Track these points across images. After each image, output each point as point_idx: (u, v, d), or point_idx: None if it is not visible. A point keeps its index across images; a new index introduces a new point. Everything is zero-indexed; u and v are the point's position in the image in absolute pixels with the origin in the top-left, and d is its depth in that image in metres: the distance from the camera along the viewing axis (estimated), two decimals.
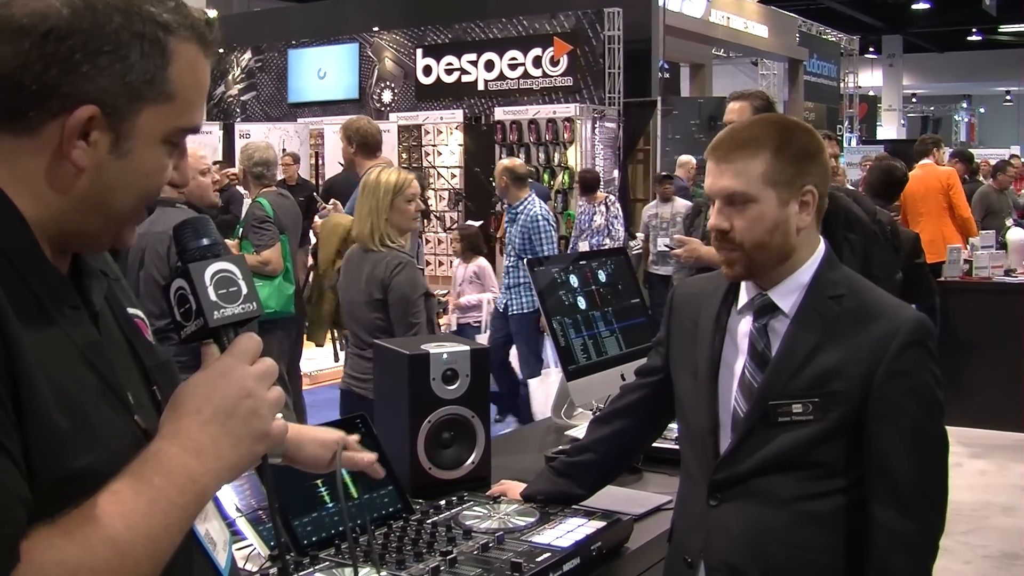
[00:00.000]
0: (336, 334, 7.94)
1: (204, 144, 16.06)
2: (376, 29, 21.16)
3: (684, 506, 2.66)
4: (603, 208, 13.39)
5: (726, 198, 2.45)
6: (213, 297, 1.50)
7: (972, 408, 8.66)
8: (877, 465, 2.38)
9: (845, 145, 24.77)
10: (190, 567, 1.50)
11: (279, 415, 1.49)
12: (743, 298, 2.54)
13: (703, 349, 2.56)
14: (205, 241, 1.55)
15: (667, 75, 21.23)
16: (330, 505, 2.66)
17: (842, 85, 27.81)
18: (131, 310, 1.64)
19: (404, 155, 18.92)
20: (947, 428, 2.43)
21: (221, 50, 22.50)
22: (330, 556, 2.49)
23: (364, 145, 7.18)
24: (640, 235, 13.72)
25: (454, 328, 9.97)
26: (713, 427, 2.51)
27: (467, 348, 3.18)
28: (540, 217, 8.56)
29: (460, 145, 19.34)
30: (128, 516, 1.31)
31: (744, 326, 2.52)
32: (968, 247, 10.00)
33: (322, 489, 2.67)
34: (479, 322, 9.99)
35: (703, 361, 2.55)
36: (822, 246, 2.54)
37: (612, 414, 2.90)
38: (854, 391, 2.37)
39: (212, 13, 16.83)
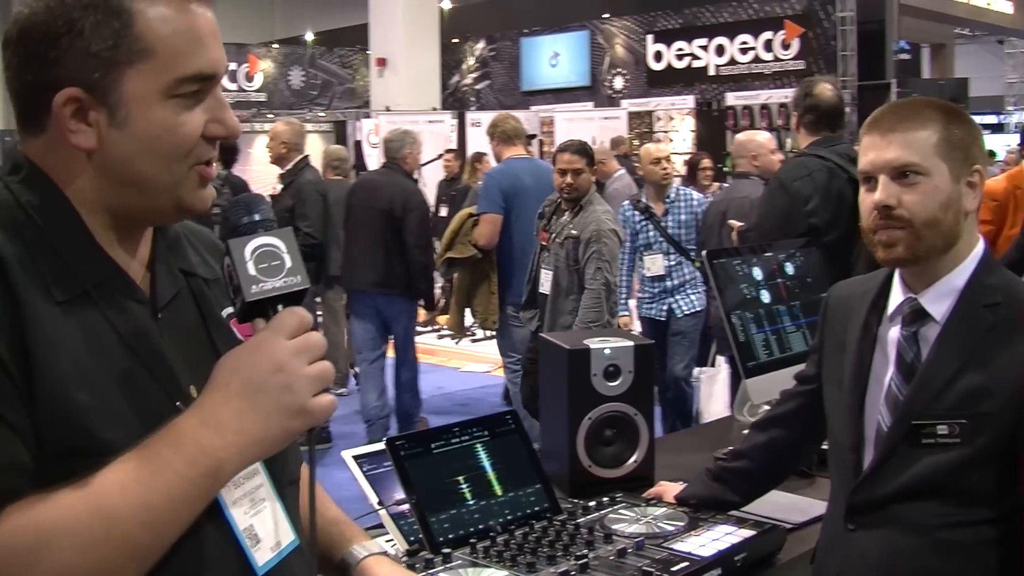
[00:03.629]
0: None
1: (436, 133, 16.32)
2: (607, 16, 21.14)
3: (826, 524, 2.49)
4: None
5: (893, 171, 2.24)
6: (252, 271, 1.47)
7: None
8: None
9: None
10: (212, 556, 1.47)
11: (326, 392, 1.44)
12: (893, 302, 2.34)
13: (849, 357, 2.38)
14: (256, 216, 1.52)
15: (908, 56, 20.50)
16: (471, 502, 2.60)
17: None
18: (230, 310, 1.63)
19: (636, 142, 18.78)
20: None
21: (455, 40, 22.88)
22: (464, 555, 2.44)
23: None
24: None
25: None
26: (855, 443, 2.33)
27: (631, 343, 3.08)
28: (704, 200, 7.85)
29: (691, 131, 19.14)
30: (126, 484, 1.31)
31: (894, 333, 2.33)
32: None
33: (464, 486, 2.62)
34: None
35: (848, 371, 2.37)
36: (981, 245, 2.32)
37: (769, 421, 2.75)
38: (1006, 414, 2.14)
39: None
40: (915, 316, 2.29)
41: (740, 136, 7.68)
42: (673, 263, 7.54)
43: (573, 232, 6.40)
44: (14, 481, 1.28)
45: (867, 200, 2.28)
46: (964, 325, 2.22)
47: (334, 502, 1.96)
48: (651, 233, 7.57)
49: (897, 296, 2.33)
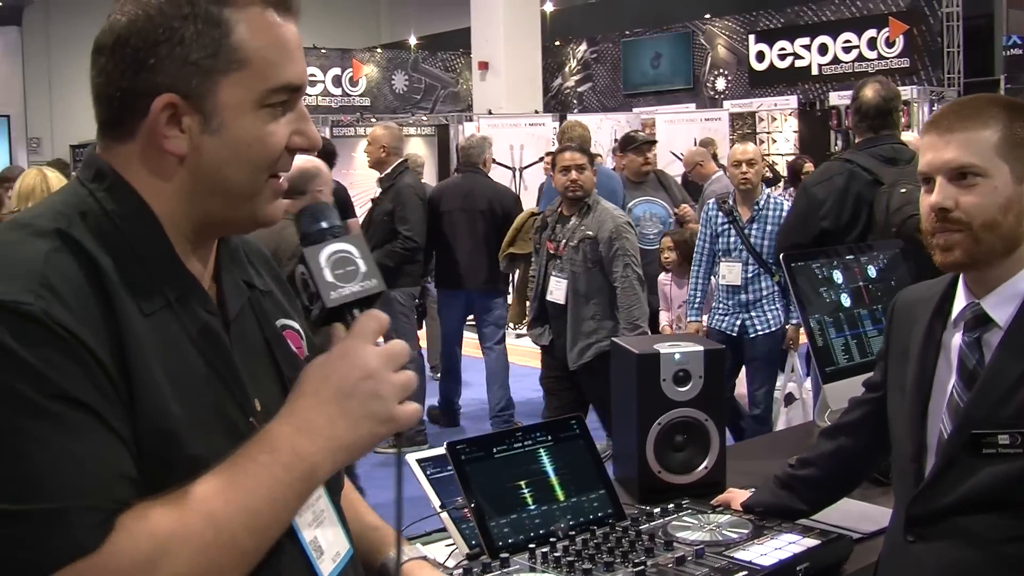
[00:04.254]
0: None
1: (538, 136, 16.35)
2: (708, 16, 21.00)
3: (888, 536, 2.43)
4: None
5: (951, 172, 2.16)
6: (329, 278, 1.50)
7: None
8: None
9: None
10: (287, 567, 1.50)
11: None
12: (957, 308, 2.27)
13: (912, 364, 2.31)
14: (324, 224, 1.56)
15: (1020, 51, 20.01)
16: (532, 507, 2.60)
17: None
18: (285, 321, 1.68)
19: (739, 144, 18.60)
20: None
21: (557, 42, 22.89)
22: (522, 561, 2.44)
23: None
24: None
25: None
26: (916, 452, 2.26)
27: (701, 348, 3.06)
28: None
29: (795, 131, 18.87)
30: (228, 491, 1.35)
31: (956, 340, 2.25)
32: None
33: (526, 491, 2.62)
34: None
35: (911, 377, 2.30)
36: None
37: (837, 429, 2.69)
38: None
39: None
40: (977, 321, 2.21)
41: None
42: (751, 274, 6.94)
43: (588, 233, 6.35)
44: (125, 491, 1.30)
45: (925, 202, 2.22)
46: None
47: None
48: (732, 239, 7.01)
49: (961, 301, 2.26)
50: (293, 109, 1.52)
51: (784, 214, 6.76)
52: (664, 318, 8.07)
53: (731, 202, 7.07)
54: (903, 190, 5.22)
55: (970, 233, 2.15)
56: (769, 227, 6.91)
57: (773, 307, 6.93)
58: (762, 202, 7.01)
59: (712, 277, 7.22)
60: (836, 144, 17.40)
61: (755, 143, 18.58)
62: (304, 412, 1.42)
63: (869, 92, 5.57)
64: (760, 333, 6.88)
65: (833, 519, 2.73)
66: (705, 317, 7.27)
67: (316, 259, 1.52)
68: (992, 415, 2.12)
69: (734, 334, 6.91)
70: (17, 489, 1.24)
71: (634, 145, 8.88)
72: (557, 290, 6.48)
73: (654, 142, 9.05)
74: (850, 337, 3.61)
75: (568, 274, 6.43)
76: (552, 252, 6.53)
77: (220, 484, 1.35)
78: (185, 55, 1.43)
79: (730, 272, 6.98)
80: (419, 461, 2.73)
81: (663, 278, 8.09)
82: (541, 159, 14.76)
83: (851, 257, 3.79)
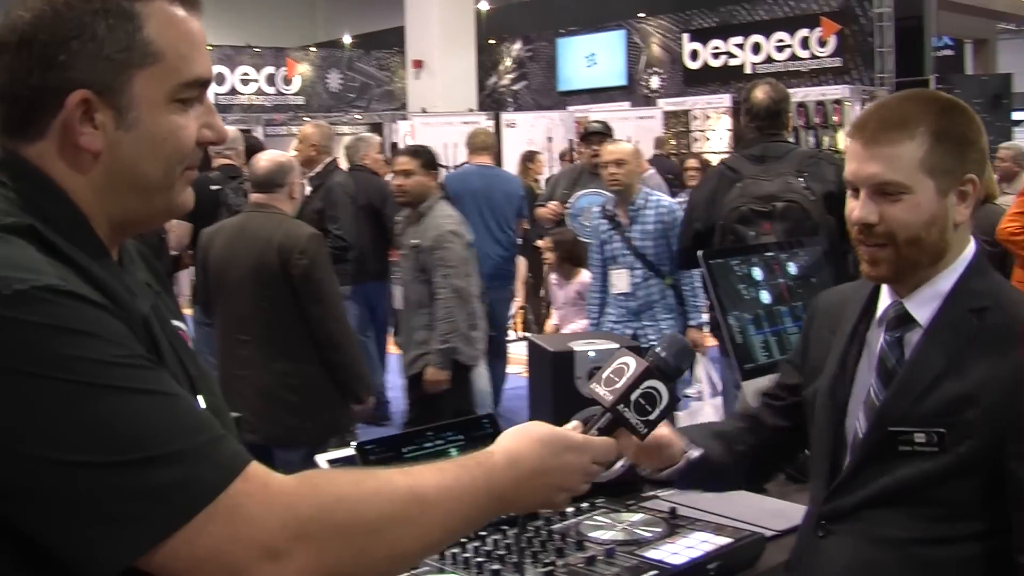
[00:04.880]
0: None
1: None
2: (643, 15, 21.06)
3: (802, 532, 2.40)
4: None
5: (875, 187, 2.10)
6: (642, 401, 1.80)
7: None
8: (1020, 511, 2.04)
9: None
10: None
11: None
12: (881, 307, 2.25)
13: (833, 362, 2.28)
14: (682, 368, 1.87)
15: (951, 52, 20.26)
16: None
17: None
18: (175, 322, 1.66)
19: (673, 141, 18.66)
20: None
21: (492, 41, 22.89)
22: (431, 561, 2.40)
23: None
24: None
25: None
26: (831, 449, 2.25)
27: (615, 346, 3.03)
28: (676, 208, 6.76)
29: (728, 130, 18.98)
30: (444, 488, 1.47)
31: (879, 339, 2.23)
32: None
33: None
34: None
35: (830, 375, 2.28)
36: (971, 247, 2.20)
37: (748, 419, 2.61)
38: (989, 424, 2.03)
39: None
40: (900, 321, 2.20)
41: None
42: (639, 279, 6.62)
43: (414, 241, 6.15)
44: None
45: (850, 210, 2.18)
46: (948, 330, 2.13)
47: None
48: (617, 244, 6.68)
49: (885, 301, 2.25)
50: (202, 103, 1.52)
51: (664, 210, 6.63)
52: (555, 316, 8.00)
53: (611, 207, 6.80)
54: (740, 184, 5.41)
55: (895, 248, 2.12)
56: (650, 227, 6.61)
57: (667, 315, 6.64)
58: (639, 202, 6.67)
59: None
60: None
61: (688, 141, 18.78)
62: (524, 475, 1.60)
63: (759, 93, 5.65)
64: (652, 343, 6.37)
65: (747, 516, 2.72)
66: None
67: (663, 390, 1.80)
68: (909, 413, 2.10)
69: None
70: (139, 439, 1.27)
71: (583, 136, 9.15)
72: (397, 296, 6.42)
73: (601, 134, 8.86)
74: (770, 334, 3.60)
75: (402, 281, 6.33)
76: (396, 258, 6.44)
77: (442, 480, 1.47)
78: (98, 50, 1.41)
79: (619, 280, 6.71)
80: (330, 462, 2.68)
81: (552, 277, 8.01)
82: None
83: (771, 254, 3.78)
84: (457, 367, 6.07)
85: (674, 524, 2.60)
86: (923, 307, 2.16)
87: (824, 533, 2.23)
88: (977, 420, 2.03)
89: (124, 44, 1.42)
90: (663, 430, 2.18)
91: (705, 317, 6.60)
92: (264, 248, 4.98)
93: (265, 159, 5.26)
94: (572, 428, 1.77)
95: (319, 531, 1.33)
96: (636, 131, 16.14)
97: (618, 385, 1.77)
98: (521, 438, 1.64)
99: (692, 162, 10.45)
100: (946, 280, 2.16)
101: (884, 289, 2.26)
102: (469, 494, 1.49)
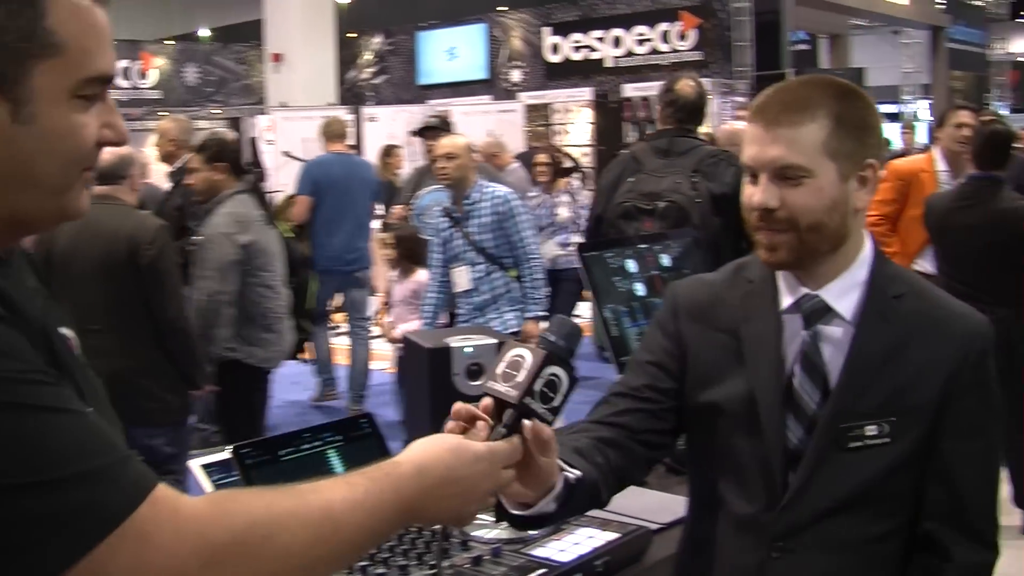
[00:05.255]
0: None
1: None
2: (503, 8, 21.12)
3: (722, 556, 2.17)
4: (566, 198, 10.10)
5: (775, 171, 2.01)
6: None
7: None
8: (947, 488, 2.03)
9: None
10: None
11: None
12: (785, 300, 2.11)
13: (759, 364, 2.10)
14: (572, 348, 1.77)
15: (807, 46, 20.69)
16: None
17: (990, 52, 26.74)
18: (61, 330, 1.55)
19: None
20: None
21: (352, 34, 22.72)
22: None
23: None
24: None
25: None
26: (770, 460, 2.07)
27: (493, 341, 3.01)
28: (511, 197, 6.52)
29: (589, 123, 19.12)
30: (354, 505, 1.42)
31: (792, 334, 2.10)
32: None
33: None
34: None
35: (763, 379, 2.09)
36: (869, 238, 2.15)
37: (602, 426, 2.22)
38: (931, 406, 2.02)
39: None
40: (817, 314, 2.09)
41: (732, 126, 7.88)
42: (480, 274, 6.42)
43: (195, 239, 5.86)
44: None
45: (748, 196, 2.08)
46: (877, 318, 2.07)
47: None
48: (457, 241, 6.46)
49: (786, 294, 2.12)
50: (104, 101, 1.43)
51: (499, 200, 6.38)
52: (390, 314, 7.64)
53: (450, 203, 6.58)
54: (632, 179, 5.51)
55: (796, 233, 2.03)
56: (487, 219, 6.38)
57: (512, 308, 6.43)
58: (474, 195, 6.44)
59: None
60: (629, 136, 17.72)
61: (549, 134, 18.84)
62: (432, 486, 1.53)
63: (687, 88, 5.68)
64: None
65: (631, 511, 2.69)
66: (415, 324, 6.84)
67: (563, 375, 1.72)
68: (855, 408, 2.04)
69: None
70: (41, 461, 1.20)
71: (417, 131, 9.03)
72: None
73: (436, 128, 8.47)
74: (645, 326, 3.59)
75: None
76: None
77: (348, 495, 1.41)
78: None
79: (459, 277, 6.49)
80: (204, 467, 2.59)
81: (390, 274, 7.76)
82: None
83: (645, 246, 3.78)
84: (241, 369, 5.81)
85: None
86: (843, 298, 2.09)
87: (780, 554, 2.08)
88: (920, 405, 2.02)
89: (25, 32, 1.32)
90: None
91: (540, 310, 6.47)
92: (112, 239, 5.04)
93: (108, 151, 5.14)
94: (451, 429, 1.68)
95: (231, 558, 1.29)
96: (498, 125, 16.15)
97: (519, 379, 1.69)
98: (430, 448, 1.58)
99: (542, 157, 10.29)
100: (860, 269, 2.10)
101: (782, 284, 2.13)
102: (378, 508, 1.45)
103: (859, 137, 2.05)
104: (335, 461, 2.55)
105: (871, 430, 2.02)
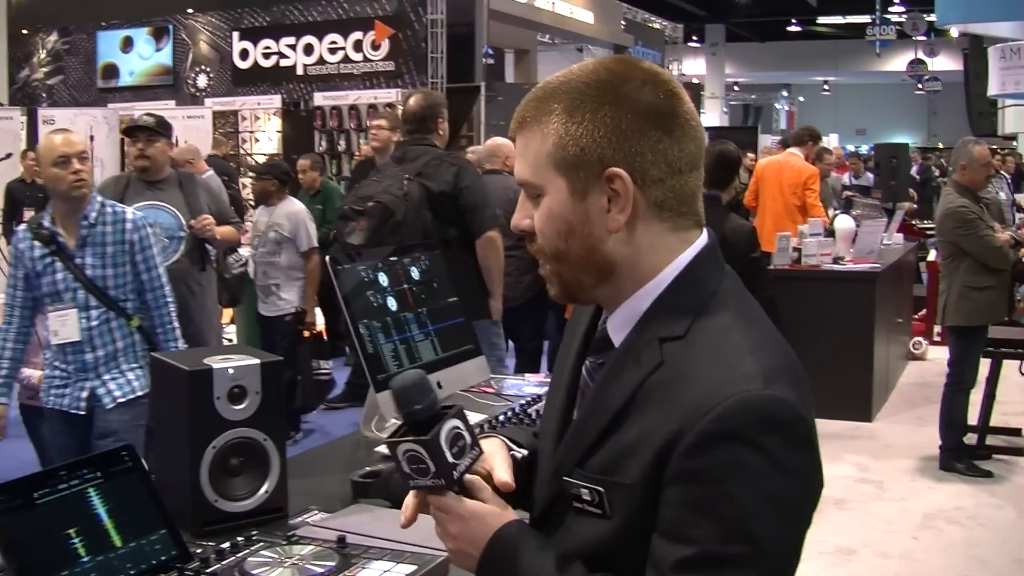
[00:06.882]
0: None
1: (4, 131, 15.29)
2: (191, 11, 20.53)
3: None
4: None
5: (524, 189, 1.69)
6: (451, 458, 1.64)
7: None
8: None
9: None
10: None
11: None
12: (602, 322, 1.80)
13: (556, 384, 1.86)
14: (435, 405, 1.68)
15: (491, 61, 21.01)
16: (86, 560, 2.20)
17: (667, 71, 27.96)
18: None
19: (227, 141, 18.23)
20: None
21: (25, 31, 21.58)
22: None
23: None
24: None
25: None
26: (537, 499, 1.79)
27: (256, 361, 2.78)
28: (141, 223, 4.99)
29: (278, 131, 18.87)
30: None
31: (588, 365, 1.77)
32: (797, 235, 9.83)
33: (76, 540, 2.21)
34: None
35: (554, 401, 1.83)
36: (686, 255, 1.66)
37: None
38: (639, 487, 1.54)
39: None
40: (599, 344, 1.74)
41: (496, 141, 8.41)
42: (96, 322, 4.85)
43: None
44: None
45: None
46: (631, 360, 1.62)
47: None
48: (60, 275, 4.83)
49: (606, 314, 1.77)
50: None
51: (128, 224, 4.95)
52: None
53: (49, 223, 4.88)
54: (358, 185, 6.03)
55: (552, 263, 1.69)
56: (110, 249, 4.89)
57: (134, 365, 4.96)
58: (93, 215, 4.87)
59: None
60: (320, 145, 17.54)
61: (237, 142, 18.41)
62: None
63: (411, 101, 6.24)
64: (118, 402, 4.89)
65: (419, 538, 2.51)
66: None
67: (438, 442, 1.63)
68: (583, 462, 1.63)
69: (81, 411, 4.88)
70: None
71: (127, 130, 7.12)
72: None
73: (151, 129, 6.45)
74: (399, 342, 3.43)
75: None
76: None
77: None
78: None
79: (63, 325, 4.84)
80: None
81: None
82: (9, 156, 13.98)
83: (395, 259, 3.62)
84: None
85: (347, 555, 2.37)
86: (620, 330, 1.68)
87: None
88: (633, 481, 1.55)
89: None
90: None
91: (181, 343, 5.15)
92: None
93: None
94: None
95: None
96: (185, 131, 15.60)
97: (433, 468, 1.64)
98: None
99: (201, 165, 10.18)
100: (645, 298, 1.65)
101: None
102: None
103: (598, 141, 1.60)
104: (96, 501, 2.29)
105: (585, 494, 1.61)
